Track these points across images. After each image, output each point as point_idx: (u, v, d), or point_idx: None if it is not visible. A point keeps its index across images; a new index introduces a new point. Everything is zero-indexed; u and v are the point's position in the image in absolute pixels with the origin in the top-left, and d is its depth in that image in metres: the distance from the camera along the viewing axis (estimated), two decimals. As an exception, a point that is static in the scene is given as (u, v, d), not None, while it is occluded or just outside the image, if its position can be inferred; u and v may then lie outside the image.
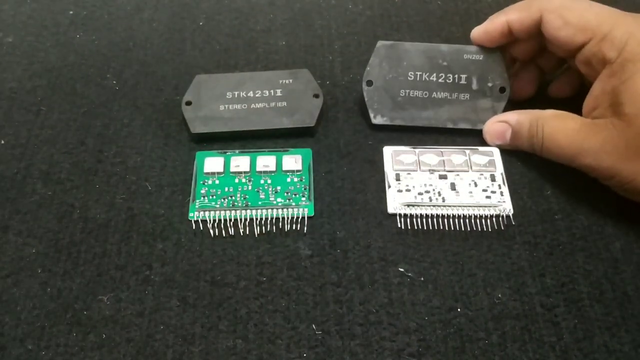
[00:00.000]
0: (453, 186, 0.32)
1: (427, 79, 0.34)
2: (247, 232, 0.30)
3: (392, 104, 0.34)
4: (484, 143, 0.34)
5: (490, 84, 0.34)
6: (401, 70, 0.34)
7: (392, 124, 0.34)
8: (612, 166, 0.28)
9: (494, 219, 0.31)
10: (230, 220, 0.31)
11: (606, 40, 0.28)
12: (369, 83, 0.34)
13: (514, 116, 0.33)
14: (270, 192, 0.31)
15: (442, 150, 0.33)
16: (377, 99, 0.34)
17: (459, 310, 0.28)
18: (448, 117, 0.34)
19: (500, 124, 0.33)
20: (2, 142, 0.34)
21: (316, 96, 0.35)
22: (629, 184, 0.28)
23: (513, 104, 0.34)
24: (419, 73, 0.34)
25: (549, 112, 0.31)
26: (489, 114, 0.34)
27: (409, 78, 0.34)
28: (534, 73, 0.35)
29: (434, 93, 0.34)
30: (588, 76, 0.31)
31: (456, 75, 0.33)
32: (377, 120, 0.34)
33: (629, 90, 0.27)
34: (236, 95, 0.35)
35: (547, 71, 0.35)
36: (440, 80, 0.34)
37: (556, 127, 0.30)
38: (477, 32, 0.33)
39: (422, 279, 0.29)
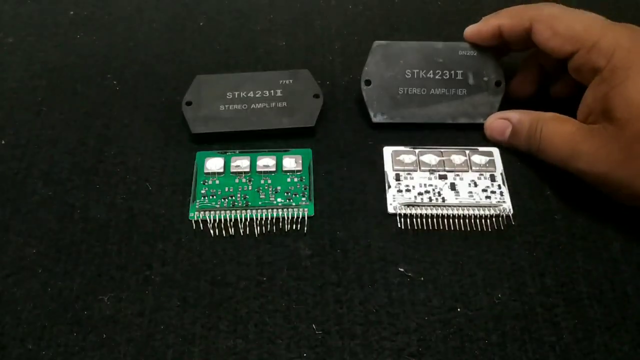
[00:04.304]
0: (453, 186, 0.32)
1: (424, 76, 0.34)
2: (247, 232, 0.30)
3: (391, 102, 0.34)
4: (484, 142, 0.34)
5: (485, 79, 0.34)
6: (398, 68, 0.34)
7: (392, 121, 0.34)
8: (606, 172, 0.28)
9: (493, 219, 0.31)
10: (231, 220, 0.31)
11: (594, 49, 0.29)
12: (367, 82, 0.34)
13: (515, 115, 0.33)
14: (270, 192, 0.31)
15: (442, 150, 0.33)
16: (376, 98, 0.34)
17: (459, 310, 0.28)
18: (447, 113, 0.34)
19: (502, 120, 0.33)
20: (3, 142, 0.34)
21: (316, 96, 0.35)
22: (622, 190, 0.29)
23: (514, 103, 0.34)
24: (415, 71, 0.34)
25: (549, 114, 0.31)
26: (487, 108, 0.34)
27: (406, 76, 0.34)
28: (535, 72, 0.35)
29: (432, 90, 0.34)
30: (581, 82, 0.31)
31: (452, 72, 0.34)
32: (377, 118, 0.34)
33: (619, 96, 0.28)
34: (236, 96, 0.35)
35: (549, 70, 0.35)
36: (437, 77, 0.34)
37: (554, 129, 0.31)
38: (470, 31, 0.34)
39: (422, 279, 0.29)
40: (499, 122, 0.34)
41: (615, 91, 0.28)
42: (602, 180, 0.29)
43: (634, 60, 0.28)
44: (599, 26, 0.30)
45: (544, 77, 0.35)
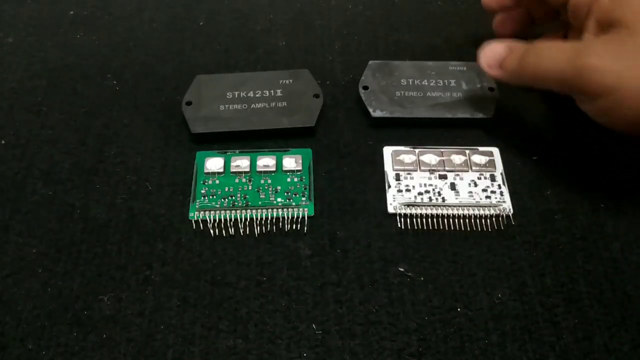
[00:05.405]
0: (453, 186, 0.32)
1: (419, 83, 0.36)
2: (247, 232, 0.30)
3: (390, 102, 0.35)
4: (484, 142, 0.34)
5: (478, 85, 0.36)
6: (394, 78, 0.36)
7: (391, 116, 0.34)
8: (614, 84, 0.26)
9: (494, 219, 0.31)
10: (231, 220, 0.31)
11: None
12: (365, 88, 0.35)
13: (510, 40, 0.32)
14: (270, 192, 0.31)
15: (442, 150, 0.33)
16: (374, 98, 0.35)
17: (459, 310, 0.28)
18: (445, 109, 0.35)
19: (498, 44, 0.32)
20: (3, 142, 0.34)
21: (316, 96, 0.35)
22: (632, 109, 0.26)
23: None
24: (410, 80, 0.36)
25: (543, 39, 0.32)
26: (484, 107, 0.35)
27: (402, 83, 0.36)
28: (520, 14, 0.35)
29: (428, 93, 0.35)
30: (577, 25, 0.31)
31: (445, 80, 0.36)
32: (377, 113, 0.34)
33: (626, 5, 0.27)
34: (236, 95, 0.35)
35: (538, 21, 0.35)
36: (431, 84, 0.36)
37: (551, 43, 0.30)
38: None
39: (422, 279, 0.29)
40: (494, 44, 0.32)
41: (620, 3, 0.27)
42: (608, 99, 0.27)
43: None
44: None
45: (529, 22, 0.36)
